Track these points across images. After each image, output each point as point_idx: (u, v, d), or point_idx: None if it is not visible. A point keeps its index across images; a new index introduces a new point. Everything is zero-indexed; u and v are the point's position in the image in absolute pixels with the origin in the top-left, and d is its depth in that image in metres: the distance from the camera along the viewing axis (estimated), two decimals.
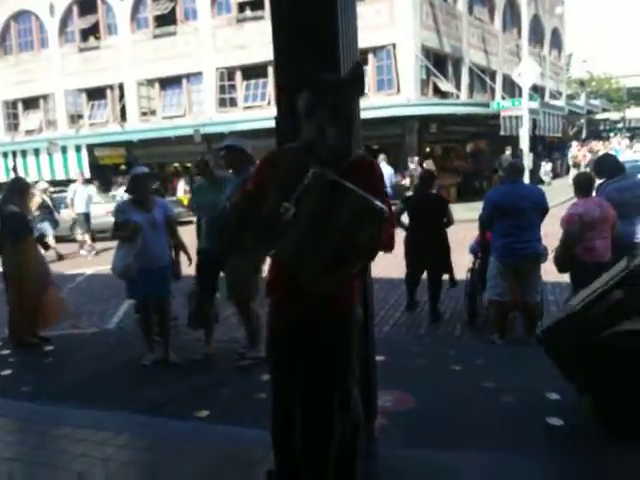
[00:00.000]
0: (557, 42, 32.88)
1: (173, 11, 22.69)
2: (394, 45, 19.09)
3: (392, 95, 18.88)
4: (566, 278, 5.54)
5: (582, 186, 4.96)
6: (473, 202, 16.00)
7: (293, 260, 1.96)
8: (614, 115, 43.30)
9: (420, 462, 2.85)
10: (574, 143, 24.74)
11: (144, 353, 4.83)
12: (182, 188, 19.21)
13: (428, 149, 20.20)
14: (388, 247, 2.04)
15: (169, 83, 23.51)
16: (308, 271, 1.94)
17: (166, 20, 22.78)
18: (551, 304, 6.10)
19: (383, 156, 15.11)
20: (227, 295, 4.72)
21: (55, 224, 11.82)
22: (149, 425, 3.57)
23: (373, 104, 15.98)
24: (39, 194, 10.88)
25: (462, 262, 6.24)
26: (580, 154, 22.77)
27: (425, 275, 6.08)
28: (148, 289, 4.67)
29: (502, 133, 18.10)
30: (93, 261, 11.65)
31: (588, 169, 9.93)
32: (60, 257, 11.89)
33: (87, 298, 8.08)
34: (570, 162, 23.49)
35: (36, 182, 13.52)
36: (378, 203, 1.84)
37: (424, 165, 15.19)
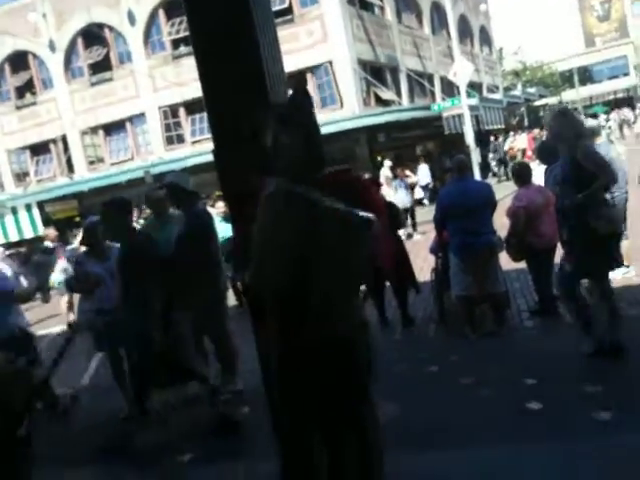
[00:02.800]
0: (486, 38, 34.00)
1: (107, 57, 22.57)
2: (330, 62, 19.42)
3: (336, 110, 19.16)
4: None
5: (520, 175, 5.15)
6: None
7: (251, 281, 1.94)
8: (552, 100, 44.83)
9: (410, 466, 2.86)
10: (511, 134, 24.15)
11: (123, 406, 4.72)
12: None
13: (379, 158, 20.51)
14: (388, 261, 1.99)
15: (113, 128, 23.28)
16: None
17: (101, 67, 22.64)
18: (517, 291, 6.24)
19: (388, 162, 15.17)
20: (198, 332, 4.65)
21: None
22: (134, 476, 3.49)
23: (319, 121, 16.08)
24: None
25: (429, 264, 6.32)
26: (516, 146, 21.17)
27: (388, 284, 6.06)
28: (115, 340, 4.59)
29: (446, 132, 18.54)
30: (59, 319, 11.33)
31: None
32: None
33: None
34: (505, 155, 21.07)
35: None
36: (362, 214, 1.79)
37: (370, 173, 15.11)
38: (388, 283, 5.96)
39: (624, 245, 6.03)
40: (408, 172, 15.25)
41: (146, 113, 22.21)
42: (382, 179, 13.34)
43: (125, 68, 22.24)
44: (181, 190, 4.50)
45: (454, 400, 3.75)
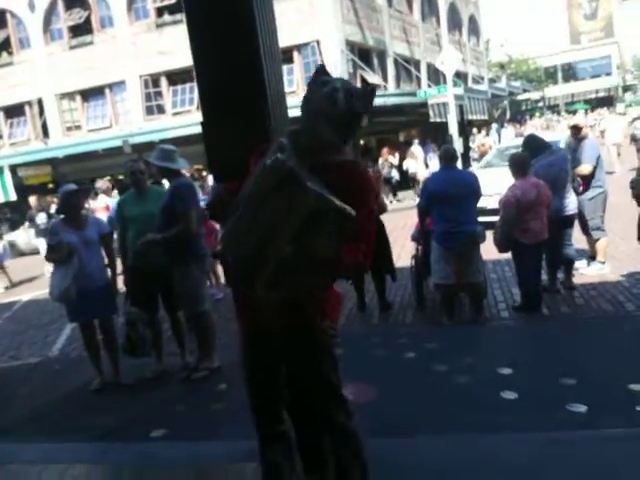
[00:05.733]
0: (475, 28, 33.97)
1: (88, 20, 21.89)
2: (318, 41, 19.16)
3: None
4: (506, 256, 5.75)
5: (518, 167, 5.09)
6: (409, 190, 16.42)
7: (225, 253, 1.88)
8: (534, 95, 45.23)
9: (383, 452, 2.86)
10: (483, 132, 23.19)
11: (93, 378, 4.64)
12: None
13: (362, 142, 20.43)
14: (357, 263, 1.86)
15: (92, 94, 22.68)
16: (242, 271, 1.83)
17: (82, 30, 21.97)
18: (494, 282, 6.30)
19: (416, 141, 17.42)
20: (180, 306, 4.58)
21: None
22: (104, 452, 3.43)
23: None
24: None
25: (406, 250, 6.33)
26: (487, 142, 18.65)
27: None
28: (89, 310, 4.49)
29: (432, 120, 18.52)
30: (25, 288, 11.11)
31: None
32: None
33: (26, 326, 7.68)
34: (475, 154, 19.09)
35: None
36: (337, 203, 1.69)
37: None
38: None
39: (601, 242, 6.14)
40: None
41: (126, 81, 21.66)
42: (411, 156, 16.48)
43: (107, 33, 21.61)
44: (162, 169, 4.49)
45: (430, 387, 3.77)
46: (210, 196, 2.13)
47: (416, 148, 17.21)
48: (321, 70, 2.01)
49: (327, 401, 2.08)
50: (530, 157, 5.36)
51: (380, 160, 16.83)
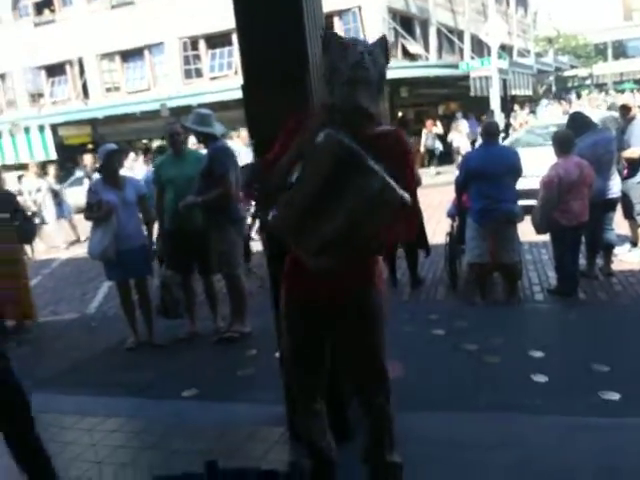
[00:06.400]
0: (522, 0, 32.69)
1: None
2: (359, 7, 18.75)
3: None
4: (543, 238, 5.63)
5: (562, 144, 4.92)
6: (447, 165, 16.13)
7: (289, 230, 1.80)
8: (582, 72, 43.51)
9: (412, 426, 2.88)
10: (544, 102, 22.71)
11: (128, 336, 4.77)
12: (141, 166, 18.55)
13: (400, 113, 20.09)
14: (407, 238, 1.93)
15: (131, 55, 22.79)
16: (305, 243, 1.77)
17: None
18: (529, 263, 6.19)
19: (460, 113, 17.39)
20: (217, 268, 4.64)
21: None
22: (137, 408, 3.55)
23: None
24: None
25: (442, 226, 6.24)
26: (530, 120, 17.75)
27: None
28: (126, 270, 4.58)
29: (472, 94, 18.05)
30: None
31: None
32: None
33: (65, 283, 7.92)
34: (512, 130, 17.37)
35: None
36: (399, 191, 1.64)
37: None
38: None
39: None
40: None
41: (165, 43, 21.65)
42: (456, 129, 16.36)
43: None
44: (196, 132, 4.53)
45: (459, 365, 3.76)
46: (246, 175, 2.07)
47: (461, 121, 17.11)
48: (329, 34, 1.92)
49: (372, 378, 2.05)
50: (574, 135, 5.19)
51: (424, 131, 16.83)
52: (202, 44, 21.37)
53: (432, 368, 3.71)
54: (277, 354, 2.65)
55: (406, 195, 1.67)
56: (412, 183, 1.88)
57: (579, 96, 30.37)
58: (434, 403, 3.21)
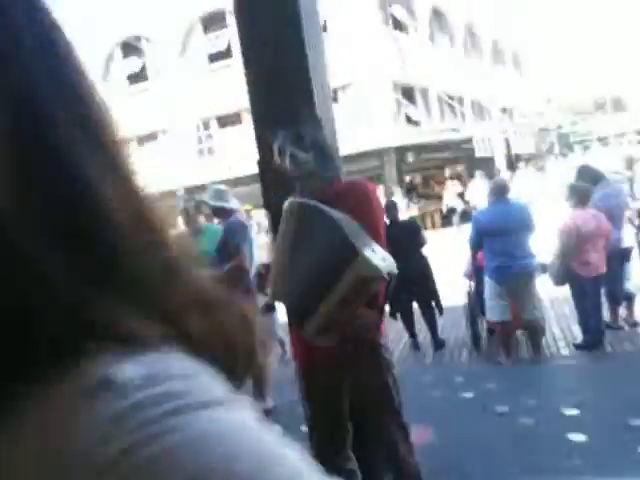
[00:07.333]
0: (519, 62, 33.86)
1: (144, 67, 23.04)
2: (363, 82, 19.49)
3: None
4: (563, 292, 5.57)
5: (580, 197, 4.95)
6: (469, 222, 16.20)
7: (276, 299, 2.00)
8: (582, 127, 44.23)
9: None
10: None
11: None
12: None
13: (408, 178, 20.46)
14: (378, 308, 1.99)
15: (146, 140, 23.70)
16: (305, 328, 1.86)
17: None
18: (552, 319, 6.09)
19: (480, 172, 16.72)
20: None
21: None
22: None
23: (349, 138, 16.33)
24: None
25: (459, 288, 6.19)
26: None
27: (416, 305, 5.93)
28: None
29: (477, 155, 18.42)
30: None
31: None
32: None
33: None
34: None
35: None
36: (379, 264, 1.71)
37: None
38: (416, 305, 5.85)
39: None
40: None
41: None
42: (474, 188, 15.95)
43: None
44: (213, 207, 4.65)
45: (491, 428, 3.64)
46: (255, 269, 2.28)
47: (480, 180, 17.12)
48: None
49: (389, 421, 2.12)
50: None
51: (445, 194, 17.31)
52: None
53: (463, 434, 3.59)
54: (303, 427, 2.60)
55: (383, 271, 1.72)
56: (379, 228, 1.97)
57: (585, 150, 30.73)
58: (468, 471, 3.10)
